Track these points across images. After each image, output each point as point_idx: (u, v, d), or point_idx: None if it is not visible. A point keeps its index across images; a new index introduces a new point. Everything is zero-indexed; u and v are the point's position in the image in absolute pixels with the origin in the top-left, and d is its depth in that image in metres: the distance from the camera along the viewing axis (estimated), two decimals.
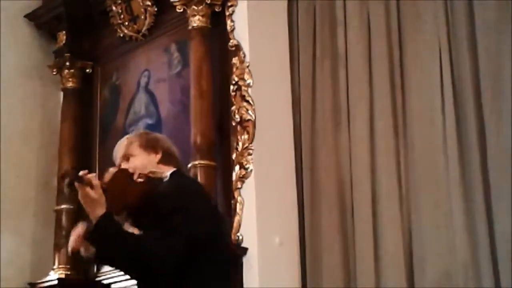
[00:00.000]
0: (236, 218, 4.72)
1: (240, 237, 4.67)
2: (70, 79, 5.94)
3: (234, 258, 2.41)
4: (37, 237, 5.59)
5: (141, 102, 5.66)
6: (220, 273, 2.32)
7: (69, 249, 2.36)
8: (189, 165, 4.77)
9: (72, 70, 5.93)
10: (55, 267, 5.35)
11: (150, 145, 2.51)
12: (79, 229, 2.37)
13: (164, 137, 2.67)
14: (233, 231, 4.69)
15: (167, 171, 2.46)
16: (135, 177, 2.38)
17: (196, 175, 4.70)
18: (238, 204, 4.74)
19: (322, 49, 5.15)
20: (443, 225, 4.36)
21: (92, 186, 2.19)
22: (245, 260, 4.61)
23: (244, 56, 4.99)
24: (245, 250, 4.62)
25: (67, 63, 5.91)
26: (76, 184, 2.16)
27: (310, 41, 5.21)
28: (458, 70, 4.51)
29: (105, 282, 5.16)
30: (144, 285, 2.30)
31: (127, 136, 2.62)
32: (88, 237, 2.20)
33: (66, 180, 2.16)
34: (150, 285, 2.25)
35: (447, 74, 4.52)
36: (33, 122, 5.99)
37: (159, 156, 2.50)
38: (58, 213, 5.44)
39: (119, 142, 2.60)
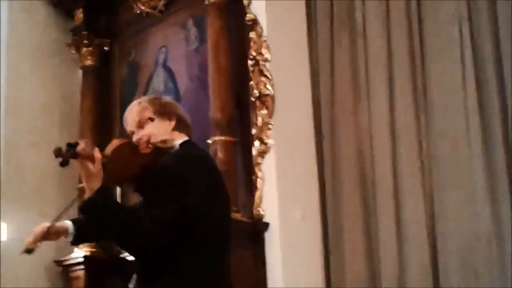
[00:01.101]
0: (257, 194, 4.72)
1: (262, 212, 4.68)
2: (88, 57, 5.94)
3: (227, 236, 2.30)
4: (61, 215, 5.64)
5: (159, 79, 5.66)
6: (214, 250, 2.26)
7: (25, 246, 2.36)
8: (209, 141, 4.78)
9: (90, 48, 5.93)
10: (80, 245, 5.40)
11: (164, 111, 2.42)
12: (40, 229, 2.41)
13: (176, 103, 2.59)
14: (254, 206, 4.71)
15: (179, 139, 2.40)
16: (140, 147, 2.34)
17: (216, 151, 4.71)
18: (258, 180, 4.74)
19: (340, 21, 5.09)
20: (466, 200, 4.32)
21: (92, 160, 2.14)
22: (267, 235, 4.63)
23: (262, 31, 4.95)
24: (266, 225, 4.64)
25: (85, 41, 5.92)
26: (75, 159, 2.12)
27: (327, 14, 5.15)
28: (479, 43, 4.43)
29: (129, 258, 5.21)
30: (137, 258, 2.29)
31: (138, 100, 2.50)
32: (81, 209, 2.18)
33: (59, 160, 2.08)
34: (143, 259, 2.24)
35: (467, 48, 4.44)
36: (54, 101, 6.02)
37: (173, 123, 2.42)
38: (81, 191, 5.46)
39: (129, 107, 2.49)
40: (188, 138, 2.44)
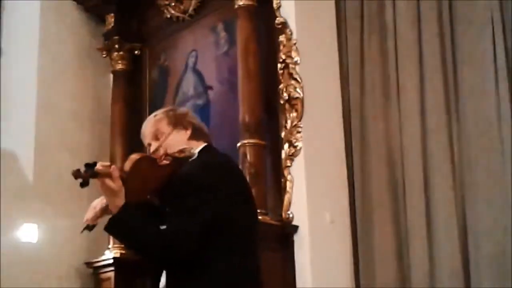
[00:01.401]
0: (286, 196, 4.71)
1: (291, 215, 4.67)
2: (119, 61, 6.00)
3: (255, 239, 2.27)
4: None
5: (189, 83, 5.69)
6: (243, 256, 2.25)
7: (84, 221, 2.31)
8: (238, 144, 4.78)
9: (121, 52, 5.99)
10: (110, 246, 5.45)
11: (179, 122, 2.43)
12: (97, 203, 2.34)
13: (191, 112, 2.58)
14: (284, 209, 4.70)
15: (197, 147, 2.39)
16: (159, 159, 2.32)
17: (245, 154, 4.72)
18: (288, 183, 4.73)
19: (370, 23, 5.08)
20: (498, 199, 4.27)
21: (111, 177, 2.12)
22: (296, 238, 4.61)
23: (291, 34, 4.95)
24: (296, 228, 4.63)
25: (116, 46, 5.98)
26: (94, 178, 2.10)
27: (357, 15, 5.14)
28: (511, 40, 4.39)
29: None
30: (167, 269, 2.26)
31: (153, 114, 2.51)
32: (106, 228, 2.16)
33: (79, 181, 2.06)
34: (172, 269, 2.23)
35: (500, 45, 4.40)
36: (85, 105, 6.09)
37: (189, 132, 2.42)
38: None
39: (146, 121, 2.50)
40: (207, 144, 2.44)
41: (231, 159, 2.45)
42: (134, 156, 2.24)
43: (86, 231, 2.33)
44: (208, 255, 2.19)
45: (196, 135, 2.45)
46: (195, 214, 2.16)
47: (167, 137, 2.41)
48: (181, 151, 2.36)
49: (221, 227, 2.20)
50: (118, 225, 2.16)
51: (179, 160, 2.32)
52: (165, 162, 2.32)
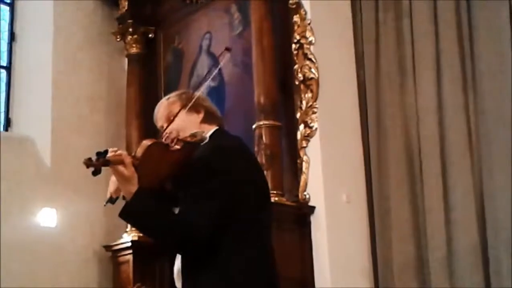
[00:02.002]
0: (303, 177, 4.71)
1: (307, 196, 4.67)
2: (133, 45, 6.00)
3: (268, 222, 2.28)
4: None
5: (203, 65, 5.68)
6: (257, 239, 2.24)
7: (108, 195, 2.27)
8: (254, 126, 4.78)
9: (135, 36, 5.99)
10: (128, 229, 5.49)
11: (192, 105, 2.40)
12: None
13: (203, 95, 2.55)
14: (300, 190, 4.70)
15: (209, 131, 2.38)
16: (171, 144, 2.30)
17: (261, 135, 4.71)
18: (304, 163, 4.73)
19: (385, 2, 5.03)
20: None
21: (124, 164, 2.11)
22: (313, 218, 4.62)
23: (305, 14, 4.92)
24: (312, 208, 4.63)
25: (130, 29, 5.98)
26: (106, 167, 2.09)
27: None
28: None
29: None
30: (182, 254, 2.27)
31: (166, 97, 2.50)
32: (121, 214, 2.15)
33: (91, 169, 2.04)
34: (188, 254, 2.23)
35: None
36: (100, 89, 6.11)
37: (201, 115, 2.40)
38: None
39: (159, 104, 2.49)
40: (218, 127, 2.43)
41: (243, 142, 2.43)
42: (146, 142, 2.22)
43: (109, 204, 2.29)
44: (223, 238, 2.18)
45: (209, 118, 2.43)
46: (210, 198, 2.15)
47: (179, 121, 2.40)
48: (193, 135, 2.35)
49: (234, 210, 2.20)
50: (132, 211, 2.16)
51: (191, 145, 2.31)
52: (176, 147, 2.30)
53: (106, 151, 2.12)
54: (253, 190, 2.29)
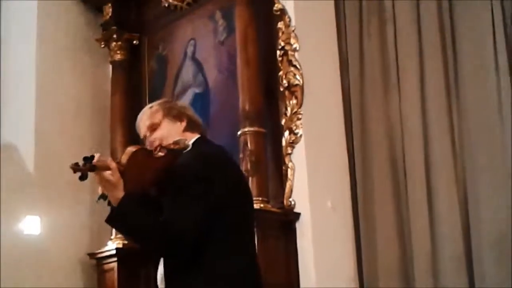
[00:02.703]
0: (288, 184, 4.71)
1: (293, 203, 4.67)
2: (118, 52, 5.98)
3: (251, 229, 2.33)
4: (94, 208, 5.70)
5: (188, 71, 5.67)
6: (241, 245, 2.28)
7: (99, 191, 2.30)
8: (239, 132, 4.78)
9: (119, 43, 5.97)
10: (112, 237, 5.46)
11: (174, 114, 2.45)
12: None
13: (186, 104, 2.63)
14: (285, 196, 4.70)
15: (191, 139, 2.42)
16: (154, 151, 2.34)
17: (246, 142, 4.71)
18: (289, 170, 4.73)
19: (369, 8, 5.05)
20: (499, 185, 4.26)
21: (110, 170, 2.15)
22: (298, 225, 4.62)
23: (290, 20, 4.93)
24: (297, 215, 4.63)
25: (114, 36, 5.96)
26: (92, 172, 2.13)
27: (356, 1, 5.11)
28: (511, 26, 4.37)
29: None
30: (167, 258, 2.28)
31: (149, 105, 2.54)
32: (107, 220, 2.20)
33: (78, 174, 2.10)
34: (173, 258, 2.24)
35: (499, 31, 4.38)
36: (84, 95, 6.08)
37: (184, 123, 2.45)
38: None
39: (141, 113, 2.53)
40: (200, 136, 2.46)
41: (225, 150, 2.46)
42: (130, 149, 2.26)
43: (101, 200, 2.32)
44: (206, 245, 2.20)
45: (191, 127, 2.47)
46: (193, 204, 2.18)
47: (162, 129, 2.43)
48: (176, 143, 2.38)
49: (218, 217, 2.22)
50: (119, 216, 2.18)
51: (174, 152, 2.35)
52: (160, 154, 2.34)
53: (92, 156, 2.15)
54: (236, 197, 2.30)
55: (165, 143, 2.39)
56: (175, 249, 2.18)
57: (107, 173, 2.15)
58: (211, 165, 2.26)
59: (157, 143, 2.41)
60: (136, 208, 2.18)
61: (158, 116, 2.46)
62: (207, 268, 2.20)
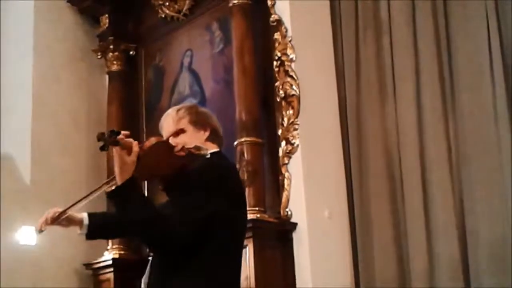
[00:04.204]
0: (284, 194, 4.72)
1: (289, 213, 4.67)
2: (114, 62, 6.00)
3: (242, 242, 2.41)
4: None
5: (185, 82, 5.69)
6: (233, 256, 2.33)
7: (38, 226, 2.43)
8: (235, 143, 4.79)
9: (116, 53, 5.99)
10: (109, 247, 5.45)
11: (200, 122, 2.48)
12: (51, 213, 2.46)
13: (212, 114, 2.62)
14: (282, 206, 4.71)
15: (211, 149, 2.44)
16: (176, 149, 2.36)
17: (242, 153, 4.72)
18: (285, 180, 4.74)
19: (365, 19, 5.08)
20: (495, 194, 4.28)
21: (130, 151, 2.19)
22: (295, 235, 4.62)
23: (286, 31, 4.96)
24: (294, 225, 4.63)
25: (111, 46, 5.98)
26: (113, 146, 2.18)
27: (352, 11, 5.14)
28: (506, 34, 4.40)
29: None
30: (157, 253, 2.34)
31: (176, 107, 2.55)
32: (109, 195, 2.23)
33: (100, 143, 2.13)
34: (163, 255, 2.29)
35: (495, 38, 4.42)
36: (81, 106, 6.09)
37: (207, 133, 2.48)
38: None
39: (167, 114, 2.55)
40: (218, 150, 2.50)
41: (235, 165, 2.51)
42: (154, 139, 2.31)
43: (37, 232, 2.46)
44: (200, 252, 2.23)
45: (213, 137, 2.51)
46: (198, 207, 2.21)
47: (186, 135, 2.46)
48: (198, 148, 2.41)
49: (219, 226, 2.25)
50: (121, 195, 2.20)
51: (193, 156, 2.38)
52: (181, 153, 2.36)
53: (119, 132, 2.19)
54: (240, 210, 2.36)
55: (186, 147, 2.43)
56: (165, 244, 2.22)
57: (125, 153, 2.18)
58: (223, 176, 2.31)
59: (179, 147, 2.44)
60: (137, 193, 2.21)
61: (184, 122, 2.49)
62: (194, 273, 2.23)
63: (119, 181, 2.20)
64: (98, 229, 2.53)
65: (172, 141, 2.44)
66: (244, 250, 4.26)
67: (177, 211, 2.21)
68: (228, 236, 2.29)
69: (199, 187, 2.25)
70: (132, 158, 2.19)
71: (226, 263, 2.29)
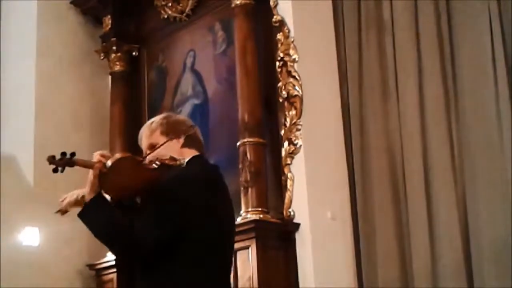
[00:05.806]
0: (287, 194, 4.72)
1: (292, 213, 4.67)
2: (117, 63, 6.00)
3: (227, 251, 2.40)
4: None
5: (187, 83, 5.69)
6: (209, 267, 2.29)
7: (61, 202, 2.47)
8: (238, 143, 4.78)
9: (119, 54, 5.99)
10: None
11: (172, 131, 2.48)
12: (74, 197, 2.47)
13: (186, 119, 2.64)
14: (285, 207, 4.71)
15: (189, 155, 2.45)
16: (145, 162, 2.40)
17: (245, 153, 4.72)
18: (288, 180, 4.74)
19: (368, 19, 5.08)
20: (498, 195, 4.27)
21: (91, 168, 2.28)
22: (297, 235, 4.62)
23: (289, 31, 4.95)
24: (297, 225, 4.63)
25: (114, 47, 5.98)
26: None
27: (355, 12, 5.14)
28: (509, 34, 4.39)
29: None
30: (124, 261, 2.40)
31: (150, 121, 2.55)
32: (79, 215, 2.29)
33: (52, 167, 2.21)
34: (129, 263, 2.34)
35: (497, 39, 4.41)
36: (84, 107, 6.09)
37: (181, 140, 2.47)
38: None
39: (142, 128, 2.56)
40: (198, 153, 2.49)
41: (218, 171, 2.48)
42: (119, 154, 2.38)
43: (59, 214, 2.49)
44: (170, 264, 2.26)
45: (189, 143, 2.50)
46: (162, 220, 2.24)
47: (161, 147, 2.47)
48: (173, 158, 2.43)
49: (187, 239, 2.26)
50: (87, 214, 2.28)
51: (167, 167, 2.39)
52: (153, 166, 2.39)
53: (73, 153, 2.29)
54: (212, 222, 2.34)
55: (163, 158, 2.44)
56: (132, 254, 2.29)
57: (90, 172, 2.27)
58: (191, 188, 2.30)
59: (149, 159, 2.46)
60: (104, 208, 2.28)
61: (156, 135, 2.50)
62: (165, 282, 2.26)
63: (87, 199, 2.29)
64: (87, 213, 2.40)
65: (150, 156, 2.46)
66: (246, 250, 4.39)
67: (141, 225, 2.23)
68: (197, 247, 2.28)
69: (163, 200, 2.27)
70: (94, 174, 2.27)
71: (198, 275, 2.27)
